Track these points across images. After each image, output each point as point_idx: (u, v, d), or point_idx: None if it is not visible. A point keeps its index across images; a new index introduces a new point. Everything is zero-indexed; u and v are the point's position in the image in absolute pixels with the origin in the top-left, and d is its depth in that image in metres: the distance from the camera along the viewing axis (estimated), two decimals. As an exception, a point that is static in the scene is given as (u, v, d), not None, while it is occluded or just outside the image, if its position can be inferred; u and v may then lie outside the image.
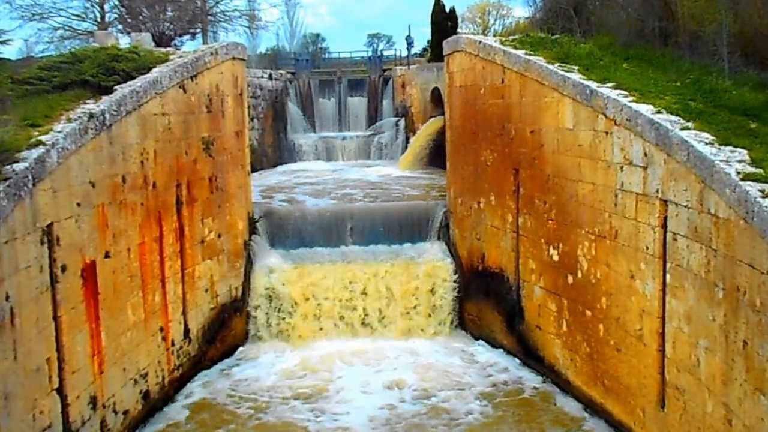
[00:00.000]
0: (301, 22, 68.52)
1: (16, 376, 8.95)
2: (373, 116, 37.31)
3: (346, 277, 17.86)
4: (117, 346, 12.00)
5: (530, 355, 15.42)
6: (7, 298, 8.71)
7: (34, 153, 9.63)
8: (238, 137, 16.95)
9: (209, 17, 37.08)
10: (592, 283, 12.89)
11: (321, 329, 17.49)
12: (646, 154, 11.04)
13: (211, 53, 15.40)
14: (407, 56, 42.24)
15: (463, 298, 17.85)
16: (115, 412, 11.96)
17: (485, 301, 17.05)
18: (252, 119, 31.06)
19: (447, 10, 38.82)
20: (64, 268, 10.28)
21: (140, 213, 12.74)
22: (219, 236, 15.93)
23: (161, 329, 13.66)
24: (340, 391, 14.68)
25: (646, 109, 11.24)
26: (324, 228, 19.16)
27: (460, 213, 18.08)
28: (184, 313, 14.54)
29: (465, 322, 17.82)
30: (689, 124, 10.60)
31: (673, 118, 10.86)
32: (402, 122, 34.17)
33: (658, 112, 11.10)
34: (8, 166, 9.05)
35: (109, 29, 34.91)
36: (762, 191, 8.29)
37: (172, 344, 14.12)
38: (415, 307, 17.80)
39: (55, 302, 10.05)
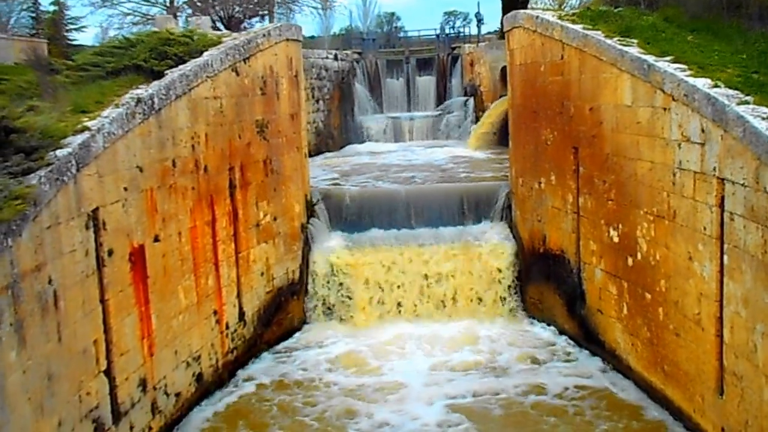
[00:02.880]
0: (374, 1, 68.25)
1: (61, 357, 9.14)
2: (442, 96, 36.87)
3: (406, 259, 17.72)
4: (168, 329, 12.18)
5: (591, 340, 14.98)
6: (50, 281, 8.88)
7: (79, 139, 9.78)
8: (294, 119, 16.92)
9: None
10: (652, 265, 12.39)
11: (380, 313, 17.43)
12: (703, 131, 10.49)
13: (264, 35, 15.39)
14: (477, 34, 41.56)
15: (524, 281, 17.49)
16: (167, 395, 12.15)
17: (546, 284, 16.64)
18: (317, 101, 31.19)
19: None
20: (110, 252, 10.45)
21: (191, 197, 12.85)
22: (275, 219, 15.98)
23: (215, 312, 13.80)
24: (398, 374, 14.52)
25: (703, 83, 10.66)
26: (384, 210, 19.04)
27: (521, 194, 17.69)
28: (238, 296, 14.65)
29: (527, 305, 17.45)
30: (748, 98, 9.99)
31: (732, 92, 10.27)
32: (471, 101, 33.66)
33: (716, 86, 10.51)
34: (51, 153, 9.20)
35: (179, 13, 35.61)
36: (819, 168, 7.73)
37: (227, 327, 14.26)
38: (476, 291, 17.54)
39: (102, 286, 10.21)
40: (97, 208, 10.12)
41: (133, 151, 11.15)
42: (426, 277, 17.64)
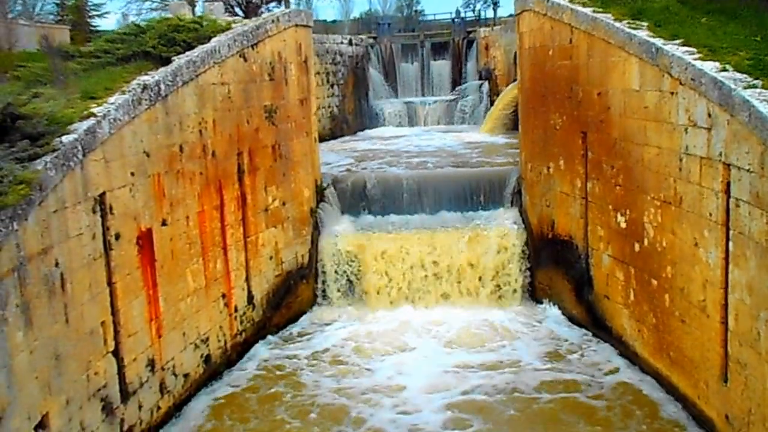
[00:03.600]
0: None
1: (68, 338, 9.29)
2: (457, 80, 36.83)
3: (416, 244, 17.72)
4: (176, 311, 12.35)
5: (599, 326, 14.97)
6: (56, 264, 9.02)
7: (85, 125, 9.89)
8: (303, 105, 16.96)
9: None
10: (658, 251, 12.35)
11: (389, 297, 17.46)
12: (710, 115, 10.42)
13: (272, 21, 15.42)
14: (493, 17, 41.34)
15: (534, 266, 17.47)
16: (175, 375, 12.35)
17: (555, 269, 16.63)
18: (332, 85, 31.22)
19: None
20: (117, 236, 10.60)
21: (199, 182, 12.98)
22: (283, 204, 16.08)
23: (223, 296, 13.96)
24: (405, 360, 14.57)
25: (710, 67, 10.58)
26: (395, 195, 19.07)
27: (530, 179, 17.65)
28: (247, 279, 14.80)
29: (536, 290, 17.44)
30: (756, 82, 9.88)
31: (740, 76, 10.17)
32: (486, 85, 33.62)
33: (723, 69, 10.42)
34: (57, 139, 9.31)
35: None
36: (821, 154, 7.67)
37: (235, 310, 14.43)
38: (485, 276, 17.53)
39: (109, 269, 10.37)
40: (103, 193, 10.26)
41: (140, 137, 11.26)
42: (435, 262, 17.64)
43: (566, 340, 15.25)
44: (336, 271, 17.52)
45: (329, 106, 31.19)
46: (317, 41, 30.19)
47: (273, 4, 40.39)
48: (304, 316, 16.94)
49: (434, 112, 34.54)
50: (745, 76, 10.16)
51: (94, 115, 10.19)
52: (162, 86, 11.81)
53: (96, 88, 11.49)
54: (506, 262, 17.53)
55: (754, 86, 9.76)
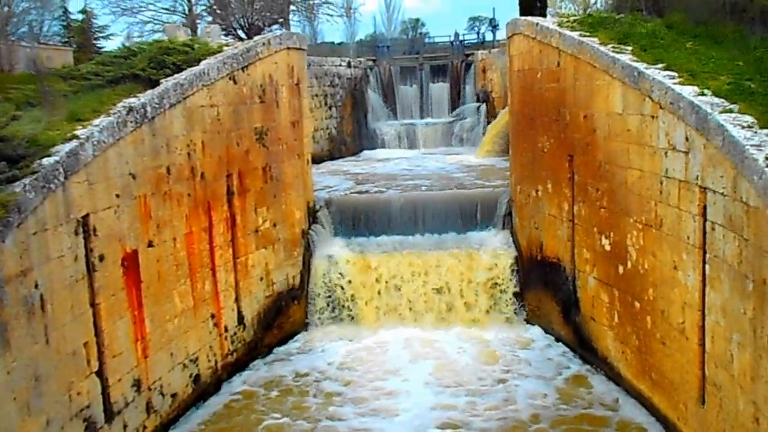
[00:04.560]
0: (398, 7, 68.60)
1: (49, 359, 9.38)
2: (456, 102, 37.00)
3: (408, 266, 17.85)
4: (163, 332, 12.45)
5: (586, 347, 15.00)
6: (36, 285, 9.13)
7: (67, 147, 10.04)
8: (295, 127, 17.11)
9: (291, 7, 37.62)
10: (641, 273, 12.41)
11: (381, 319, 17.55)
12: (687, 139, 10.52)
13: (263, 44, 15.60)
14: (492, 40, 41.60)
15: (524, 288, 17.53)
16: (162, 395, 12.43)
17: (544, 291, 16.68)
18: (330, 107, 31.46)
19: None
20: (102, 258, 10.71)
21: (187, 203, 13.10)
22: (274, 225, 16.20)
23: (212, 316, 14.07)
24: (396, 383, 14.53)
25: (689, 91, 10.68)
26: (388, 217, 19.20)
27: (519, 201, 17.75)
28: (237, 300, 14.91)
29: (526, 312, 17.49)
30: (733, 107, 9.99)
31: (717, 100, 10.27)
32: (483, 108, 33.77)
33: (701, 93, 10.53)
34: (38, 161, 9.45)
35: (198, 22, 36.04)
36: (787, 178, 7.76)
37: (225, 330, 14.55)
38: (476, 298, 17.60)
39: (92, 290, 10.49)
40: (87, 215, 10.38)
41: (126, 159, 11.40)
42: (427, 283, 17.73)
43: (550, 360, 15.30)
44: (328, 293, 17.60)
45: (327, 128, 31.41)
46: (315, 63, 30.47)
47: (276, 26, 40.83)
48: (296, 336, 17.01)
49: (433, 134, 34.72)
50: (722, 100, 10.26)
51: (77, 137, 10.33)
52: (148, 108, 11.95)
53: (83, 110, 11.63)
54: (496, 283, 17.60)
55: (731, 111, 9.86)
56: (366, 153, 33.10)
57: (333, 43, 48.55)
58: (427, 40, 54.54)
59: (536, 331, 16.90)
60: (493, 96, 33.06)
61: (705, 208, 10.05)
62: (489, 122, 32.33)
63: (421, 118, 37.12)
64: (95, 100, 12.27)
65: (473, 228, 18.95)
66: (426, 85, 37.72)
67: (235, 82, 14.64)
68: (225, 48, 15.33)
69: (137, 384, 11.69)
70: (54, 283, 9.58)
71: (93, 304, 10.53)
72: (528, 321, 17.35)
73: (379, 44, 41.28)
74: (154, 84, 13.17)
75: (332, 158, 31.20)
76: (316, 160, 29.48)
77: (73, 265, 10.06)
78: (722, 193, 9.44)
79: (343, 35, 56.67)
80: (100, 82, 13.52)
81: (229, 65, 14.36)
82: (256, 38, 16.62)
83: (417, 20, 75.25)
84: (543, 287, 16.68)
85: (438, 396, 13.90)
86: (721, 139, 9.36)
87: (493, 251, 17.95)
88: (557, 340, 16.18)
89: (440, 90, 37.85)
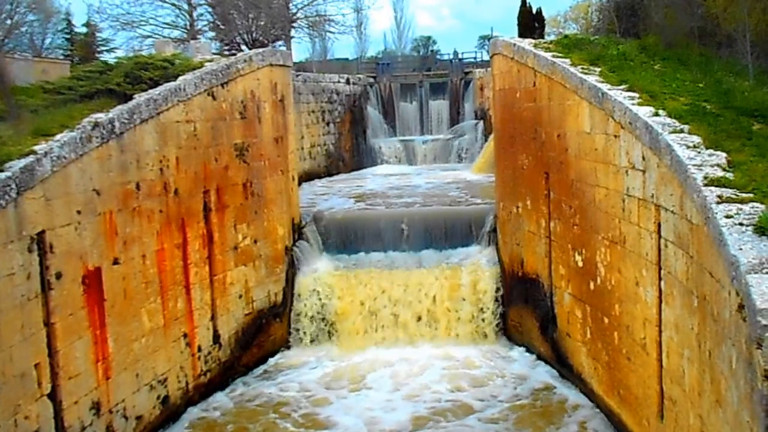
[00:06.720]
0: (409, 25, 69.12)
1: (-6, 382, 9.24)
2: (455, 119, 37.45)
3: (393, 282, 17.95)
4: (128, 351, 12.28)
5: (562, 363, 15.15)
6: (-19, 305, 9.08)
7: (21, 162, 9.88)
8: (279, 143, 17.32)
9: (293, 24, 38.11)
10: (609, 289, 12.59)
11: (364, 336, 17.57)
12: (644, 158, 10.74)
13: (245, 60, 15.84)
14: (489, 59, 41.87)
15: (506, 304, 17.67)
16: (126, 417, 12.23)
17: (525, 307, 16.84)
18: (327, 123, 31.84)
19: (534, 11, 38.31)
20: (59, 275, 10.52)
21: (158, 220, 13.09)
22: (255, 242, 16.30)
23: (185, 335, 14.00)
24: (375, 403, 14.48)
25: (645, 112, 10.91)
26: (373, 233, 19.36)
27: (502, 218, 17.97)
28: (213, 318, 14.89)
29: (508, 328, 17.62)
30: (684, 127, 10.24)
31: (669, 120, 10.52)
32: (481, 125, 34.06)
33: (656, 114, 10.76)
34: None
35: (199, 37, 36.54)
36: (720, 196, 7.97)
37: (199, 350, 14.47)
38: (459, 314, 17.71)
39: (47, 309, 10.28)
40: (43, 231, 10.20)
41: (89, 175, 11.31)
42: (411, 300, 17.84)
43: (528, 377, 15.42)
44: (310, 310, 17.66)
45: (324, 144, 31.76)
46: (312, 80, 30.88)
47: (280, 42, 41.34)
48: (277, 355, 16.96)
49: (431, 150, 35.05)
50: (674, 121, 10.51)
51: (34, 152, 10.25)
52: (116, 123, 11.95)
53: (51, 125, 11.47)
54: (480, 300, 17.74)
55: (681, 131, 10.10)
56: (365, 170, 33.46)
57: (346, 59, 48.98)
58: (438, 57, 55.00)
59: (517, 347, 16.99)
60: (490, 113, 33.25)
61: (660, 225, 10.25)
62: (486, 139, 32.63)
63: (421, 134, 37.46)
64: (65, 115, 12.15)
65: (459, 244, 19.10)
66: (426, 102, 38.09)
67: (214, 98, 14.83)
68: (206, 64, 15.46)
69: (96, 406, 11.41)
70: (2, 302, 9.35)
71: (47, 324, 10.29)
72: (510, 337, 17.47)
73: (378, 62, 41.70)
74: (129, 99, 13.09)
75: (329, 174, 31.56)
76: (313, 176, 29.91)
77: (25, 283, 9.83)
78: (672, 211, 9.65)
79: (355, 52, 57.21)
80: (73, 96, 13.57)
81: (207, 81, 14.54)
82: (238, 55, 16.86)
83: (428, 38, 76.05)
84: (524, 303, 16.83)
85: (416, 410, 14.02)
86: (669, 159, 9.58)
87: (475, 268, 18.08)
88: (537, 357, 16.29)
89: (440, 107, 38.23)
